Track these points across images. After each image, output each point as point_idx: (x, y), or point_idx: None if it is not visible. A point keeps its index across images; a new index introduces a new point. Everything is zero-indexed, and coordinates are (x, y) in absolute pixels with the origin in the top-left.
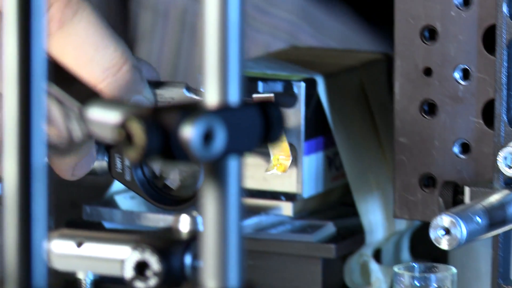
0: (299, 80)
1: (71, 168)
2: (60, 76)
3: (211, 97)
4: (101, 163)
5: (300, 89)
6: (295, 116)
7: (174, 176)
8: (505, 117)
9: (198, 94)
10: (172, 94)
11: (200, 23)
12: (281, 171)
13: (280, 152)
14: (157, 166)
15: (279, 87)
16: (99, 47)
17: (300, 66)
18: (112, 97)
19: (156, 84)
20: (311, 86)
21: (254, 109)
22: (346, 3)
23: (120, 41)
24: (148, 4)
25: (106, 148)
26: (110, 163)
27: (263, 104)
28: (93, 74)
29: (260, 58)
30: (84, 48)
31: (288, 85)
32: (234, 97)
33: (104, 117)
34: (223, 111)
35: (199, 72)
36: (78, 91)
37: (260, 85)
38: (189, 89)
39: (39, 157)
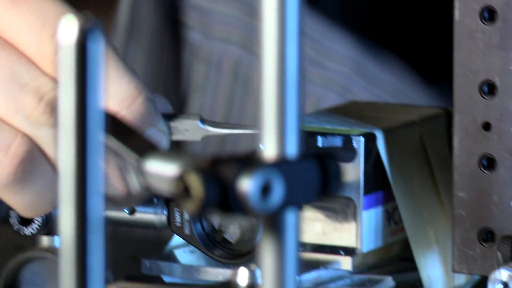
0: (359, 135)
1: None
2: (118, 128)
3: (268, 150)
4: (160, 217)
5: (359, 143)
6: (354, 170)
7: (233, 230)
8: None
9: (213, 125)
10: (187, 126)
11: (258, 76)
12: None
13: None
14: (216, 219)
15: (338, 141)
16: (113, 79)
17: (359, 120)
18: (170, 149)
19: (169, 117)
20: (370, 140)
21: (311, 163)
22: (400, 58)
23: (134, 73)
24: (201, 55)
25: (165, 202)
26: (170, 217)
27: (321, 158)
28: (107, 106)
29: (320, 113)
30: None
31: (347, 139)
32: (291, 150)
33: (162, 170)
34: (281, 164)
35: (257, 125)
36: (136, 144)
37: (320, 140)
38: (203, 121)
39: (96, 209)
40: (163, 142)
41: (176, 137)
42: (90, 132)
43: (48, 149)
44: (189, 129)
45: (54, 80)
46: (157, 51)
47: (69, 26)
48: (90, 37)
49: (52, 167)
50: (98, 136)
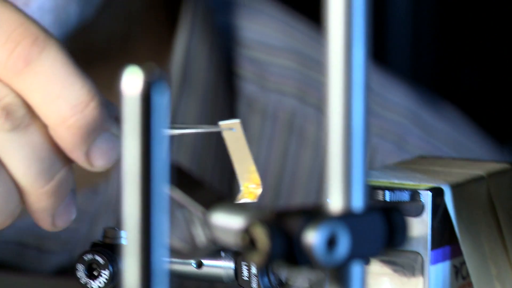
0: (426, 189)
1: (50, 217)
2: (184, 180)
3: (334, 203)
4: (227, 271)
5: (427, 198)
6: (422, 225)
7: (301, 283)
8: None
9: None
10: None
11: (324, 129)
12: (251, 199)
13: (250, 182)
14: (283, 273)
15: (406, 196)
16: (66, 84)
17: (427, 175)
18: (236, 202)
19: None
20: (438, 195)
21: (377, 215)
22: (469, 115)
23: (87, 78)
24: (257, 107)
25: (232, 256)
26: (237, 271)
27: (387, 210)
28: (61, 111)
29: (388, 168)
30: (51, 85)
31: (415, 194)
32: (357, 203)
33: (228, 222)
34: (347, 216)
35: (323, 178)
36: (202, 196)
37: (387, 194)
38: None
39: (161, 261)
40: (117, 146)
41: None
42: (155, 184)
43: (4, 156)
44: None
45: (8, 86)
46: (211, 103)
47: (133, 77)
48: (155, 89)
49: (9, 175)
50: (163, 188)
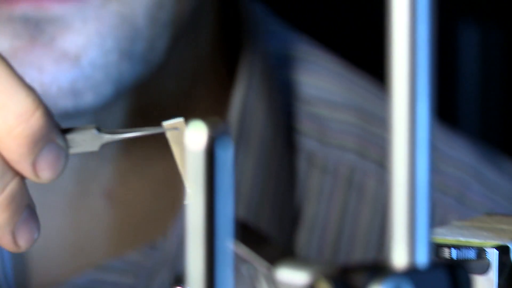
0: (492, 247)
1: (10, 235)
2: (248, 235)
3: (399, 258)
4: None
5: (493, 256)
6: (488, 283)
7: None
8: None
9: (110, 133)
10: (84, 137)
11: (388, 186)
12: None
13: None
14: None
15: (472, 254)
16: (11, 93)
17: (493, 233)
18: (301, 257)
19: (65, 130)
20: (504, 253)
21: (442, 272)
22: None
23: (31, 88)
24: (317, 163)
25: None
26: None
27: (451, 267)
28: (6, 121)
29: (454, 226)
30: None
31: (481, 252)
32: (422, 258)
33: (293, 278)
34: (411, 272)
35: (386, 233)
36: (267, 251)
37: (453, 252)
38: (99, 130)
39: None
40: (62, 156)
41: (75, 150)
42: (219, 240)
43: None
44: (86, 139)
45: None
46: (268, 159)
47: (197, 132)
48: (219, 143)
49: None
50: (227, 244)
